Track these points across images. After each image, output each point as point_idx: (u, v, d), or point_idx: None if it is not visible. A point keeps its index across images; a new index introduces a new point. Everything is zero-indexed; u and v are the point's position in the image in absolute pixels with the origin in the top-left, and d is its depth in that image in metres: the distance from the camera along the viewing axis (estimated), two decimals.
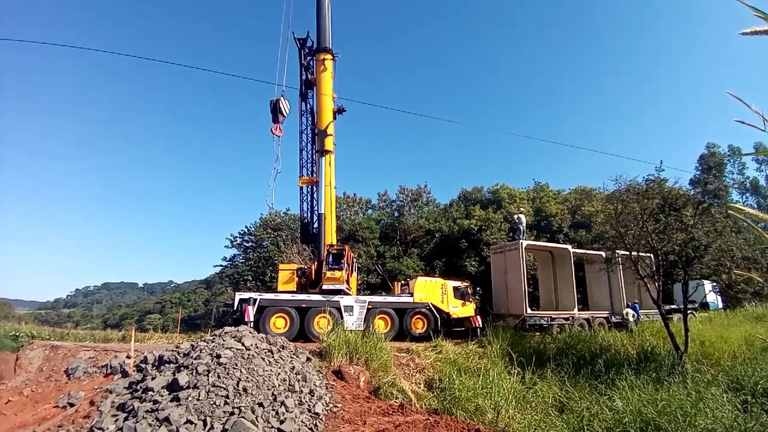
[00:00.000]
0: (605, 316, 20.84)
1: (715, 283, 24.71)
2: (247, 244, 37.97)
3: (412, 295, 18.06)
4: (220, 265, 42.44)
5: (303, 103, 19.89)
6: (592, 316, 20.55)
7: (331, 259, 17.31)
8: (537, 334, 17.87)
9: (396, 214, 37.83)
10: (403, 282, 21.30)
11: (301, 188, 19.62)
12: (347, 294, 17.25)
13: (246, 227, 38.11)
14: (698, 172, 49.05)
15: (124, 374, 10.05)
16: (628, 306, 20.06)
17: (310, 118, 19.84)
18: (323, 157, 19.19)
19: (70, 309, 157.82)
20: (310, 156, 19.68)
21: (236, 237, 38.27)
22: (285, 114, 18.82)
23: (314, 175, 19.39)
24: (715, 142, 52.97)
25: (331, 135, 19.46)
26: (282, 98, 18.77)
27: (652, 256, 15.06)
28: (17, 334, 17.02)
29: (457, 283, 19.73)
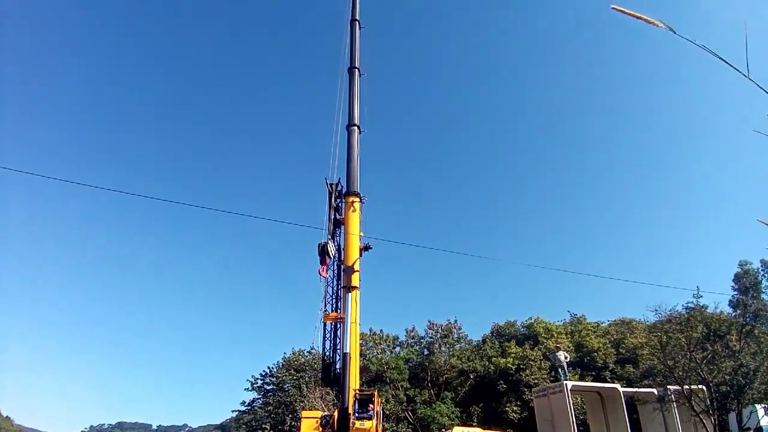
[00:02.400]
0: None
1: (767, 406, 22.23)
2: (267, 387, 36.16)
3: None
4: (238, 410, 39.91)
5: (331, 241, 20.97)
6: None
7: (358, 405, 16.02)
8: None
9: (425, 352, 36.03)
10: None
11: (325, 325, 19.42)
12: None
13: (268, 368, 36.82)
14: (736, 293, 46.95)
15: None
16: None
17: (336, 255, 20.68)
18: (349, 293, 19.34)
19: None
20: (335, 292, 19.94)
21: (257, 379, 36.73)
22: (331, 257, 19.77)
23: (339, 311, 19.35)
24: (747, 259, 51.55)
25: (357, 271, 19.97)
26: (330, 241, 19.95)
27: (704, 388, 14.02)
28: None
29: None
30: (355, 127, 22.54)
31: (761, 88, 1.94)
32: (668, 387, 15.79)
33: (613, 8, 2.05)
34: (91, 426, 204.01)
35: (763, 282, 51.33)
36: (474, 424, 22.59)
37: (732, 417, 19.27)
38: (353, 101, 22.85)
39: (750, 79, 1.93)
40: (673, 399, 16.00)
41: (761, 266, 51.50)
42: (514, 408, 28.64)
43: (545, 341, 33.61)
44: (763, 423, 23.44)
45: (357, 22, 24.05)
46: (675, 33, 2.02)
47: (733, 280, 48.97)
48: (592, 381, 25.91)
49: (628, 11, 1.97)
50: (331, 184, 21.40)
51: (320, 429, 16.38)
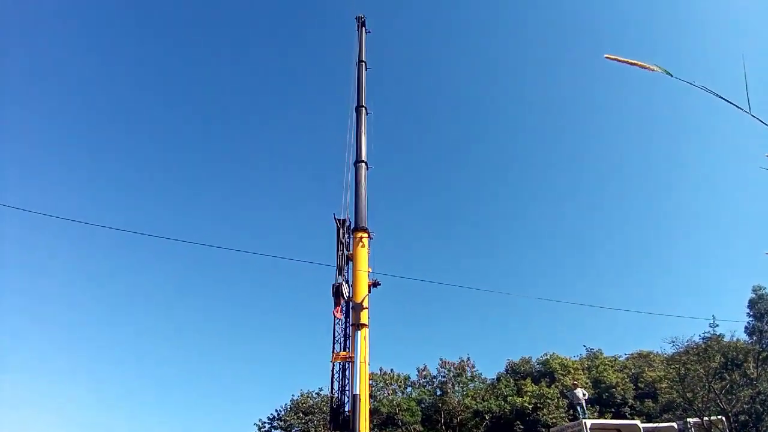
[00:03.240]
0: None
1: None
2: (275, 431, 35.08)
3: None
4: None
5: (339, 277, 21.05)
6: None
7: None
8: None
9: (438, 392, 35.01)
10: None
11: (334, 365, 19.13)
12: None
13: (276, 411, 35.84)
14: (751, 319, 45.60)
15: None
16: None
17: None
18: (359, 331, 19.18)
19: None
20: (343, 330, 19.80)
21: (264, 422, 35.71)
22: (345, 298, 19.82)
23: (347, 350, 19.13)
24: (761, 284, 50.28)
25: (366, 308, 19.90)
26: (344, 283, 20.03)
27: (723, 419, 13.57)
28: None
29: None
30: (363, 164, 23.13)
31: (764, 123, 1.96)
32: (688, 420, 15.27)
33: (606, 57, 2.04)
34: None
35: None
36: None
37: None
38: (360, 138, 23.56)
39: (752, 115, 1.96)
40: None
41: None
42: None
43: (562, 378, 32.72)
44: None
45: (363, 63, 25.20)
46: (672, 76, 2.02)
47: (748, 306, 47.77)
48: (612, 418, 24.97)
49: (621, 59, 1.97)
50: (339, 220, 21.76)
51: None
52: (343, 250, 21.48)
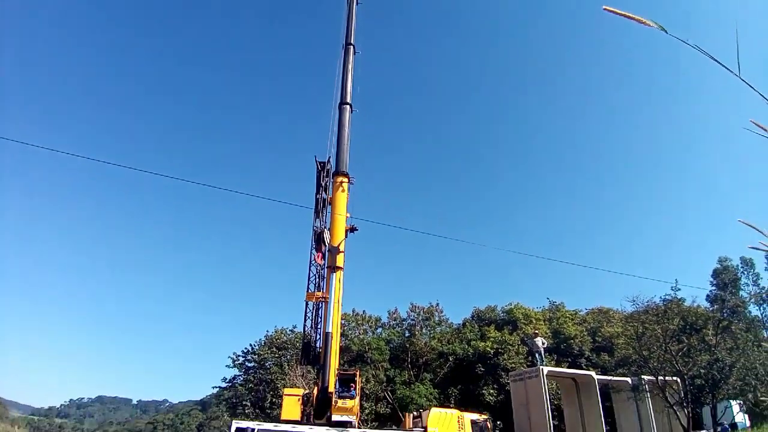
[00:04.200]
0: None
1: (741, 403, 22.82)
2: (249, 364, 36.17)
3: (425, 429, 16.39)
4: (218, 387, 39.93)
5: (317, 220, 20.72)
6: None
7: (340, 385, 16.18)
8: None
9: (407, 334, 36.42)
10: (415, 413, 19.53)
11: (307, 304, 19.33)
12: (354, 427, 15.72)
13: (250, 345, 36.77)
14: (714, 289, 48.17)
15: None
16: None
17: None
18: (333, 274, 19.26)
19: (62, 419, 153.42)
20: (318, 272, 19.80)
21: (239, 356, 36.67)
22: (327, 245, 19.54)
23: (321, 290, 19.26)
24: (727, 255, 52.75)
25: (342, 252, 19.82)
26: (326, 230, 19.69)
27: (678, 380, 14.33)
28: None
29: (476, 416, 18.01)
30: (347, 106, 22.11)
31: (751, 86, 1.96)
32: (642, 377, 16.04)
33: (605, 9, 2.10)
34: (71, 399, 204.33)
35: (742, 279, 52.85)
36: (451, 405, 23.02)
37: (706, 411, 19.72)
38: (346, 79, 22.35)
39: (741, 78, 1.95)
40: (647, 389, 16.23)
41: (741, 264, 52.94)
42: (491, 391, 29.22)
43: (524, 327, 34.15)
44: (737, 420, 24.24)
45: None
46: (666, 32, 2.05)
47: (712, 276, 50.32)
48: (568, 367, 26.47)
49: (619, 12, 2.03)
50: (320, 163, 21.03)
51: (302, 406, 16.47)
52: (322, 194, 20.96)
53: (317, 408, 16.56)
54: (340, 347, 21.02)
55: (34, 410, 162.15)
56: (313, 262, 20.02)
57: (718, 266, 50.83)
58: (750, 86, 2.00)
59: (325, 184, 21.21)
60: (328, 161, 21.26)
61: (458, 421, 17.06)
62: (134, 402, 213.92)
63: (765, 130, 1.96)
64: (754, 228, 1.97)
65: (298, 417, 15.98)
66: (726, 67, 1.98)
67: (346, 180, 21.11)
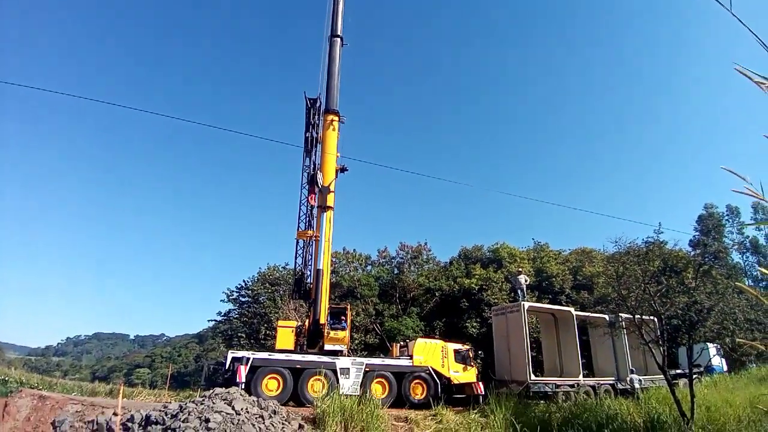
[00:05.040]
0: (611, 382, 20.06)
1: (719, 346, 23.99)
2: (243, 299, 37.28)
3: (411, 357, 17.45)
4: (214, 320, 41.38)
5: (307, 159, 20.48)
6: (598, 383, 19.81)
7: (332, 317, 17.03)
8: (541, 402, 17.04)
9: (396, 272, 37.49)
10: (402, 343, 20.66)
11: (297, 241, 19.64)
12: (344, 355, 16.68)
13: (243, 281, 37.62)
14: (697, 234, 49.10)
15: None
16: (632, 372, 19.41)
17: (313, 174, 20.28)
18: (324, 213, 19.40)
19: (59, 357, 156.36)
20: (308, 210, 19.91)
21: (233, 291, 37.67)
22: (319, 186, 19.37)
23: (311, 229, 19.51)
24: (713, 202, 53.30)
25: (332, 192, 19.82)
26: (319, 172, 19.42)
27: (655, 319, 14.80)
28: (6, 379, 16.60)
29: (458, 346, 19.12)
30: (338, 39, 21.02)
31: (741, 22, 1.91)
32: (620, 315, 16.57)
33: None
34: (68, 338, 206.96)
35: (726, 227, 53.93)
36: (436, 336, 24.29)
37: (682, 351, 20.65)
38: (337, 9, 21.05)
39: (732, 13, 1.89)
40: (624, 326, 16.86)
41: (727, 211, 53.96)
42: (474, 324, 30.61)
43: (509, 265, 35.10)
44: (713, 362, 25.88)
45: None
46: None
47: (697, 222, 51.41)
48: (549, 304, 27.69)
49: None
50: (310, 99, 20.36)
51: (295, 337, 17.33)
52: (312, 132, 20.52)
53: (309, 339, 17.46)
54: (331, 283, 21.70)
55: (30, 351, 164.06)
56: (304, 201, 20.07)
57: (704, 212, 51.77)
58: (741, 22, 1.93)
59: (315, 122, 20.72)
60: (318, 98, 20.59)
61: (442, 350, 18.18)
62: (131, 337, 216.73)
63: (748, 77, 1.86)
64: (734, 174, 1.97)
65: (291, 347, 16.85)
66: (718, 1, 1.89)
67: (336, 118, 20.59)
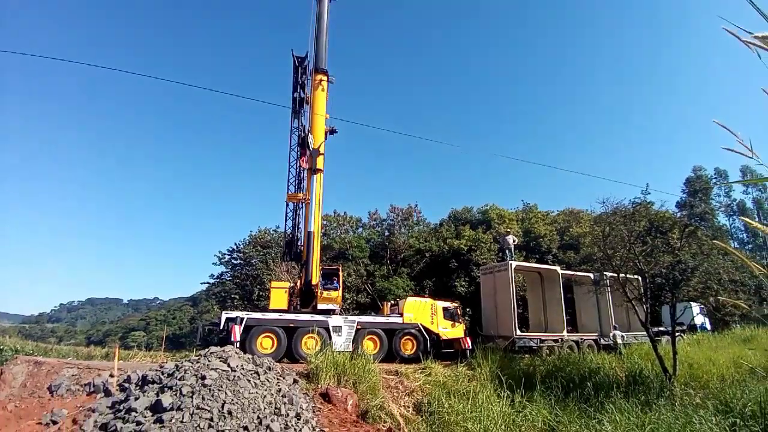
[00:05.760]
0: (594, 338, 20.84)
1: (702, 306, 24.71)
2: (235, 262, 37.55)
3: (401, 315, 17.92)
4: (207, 283, 41.88)
5: (296, 120, 20.07)
6: (581, 339, 20.54)
7: (324, 278, 17.32)
8: (526, 356, 17.78)
9: (386, 233, 37.83)
10: (392, 302, 21.16)
11: (287, 204, 19.61)
12: (336, 314, 17.09)
13: (235, 244, 37.78)
14: (684, 195, 49.59)
15: (107, 393, 9.77)
16: (615, 328, 20.12)
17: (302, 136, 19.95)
18: (314, 176, 19.24)
19: (54, 324, 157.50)
20: (297, 172, 19.74)
21: (225, 254, 37.86)
22: (310, 148, 19.03)
23: (301, 191, 19.43)
24: (702, 165, 53.58)
25: (322, 154, 19.58)
26: (310, 134, 19.02)
27: (639, 278, 15.09)
28: (1, 347, 16.82)
29: (447, 304, 19.64)
30: None
31: None
32: (605, 273, 16.88)
33: None
34: (61, 304, 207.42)
35: (714, 189, 54.28)
36: (426, 295, 24.89)
37: (665, 310, 20.97)
38: None
39: None
40: (608, 284, 17.23)
41: (715, 174, 54.26)
42: (463, 283, 31.31)
43: (497, 226, 35.57)
44: (696, 321, 26.62)
45: None
46: None
47: (684, 183, 51.82)
48: (535, 263, 28.28)
49: None
50: (298, 58, 19.71)
51: (288, 297, 17.63)
52: (299, 92, 20.02)
53: (302, 299, 17.79)
54: (322, 245, 21.89)
55: (24, 318, 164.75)
56: (293, 164, 19.85)
57: (692, 174, 52.11)
58: None
59: (303, 82, 20.17)
60: (307, 56, 19.94)
61: (431, 308, 18.68)
62: (125, 301, 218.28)
63: (736, 36, 1.80)
64: (727, 129, 1.97)
65: (285, 307, 17.18)
66: None
67: (325, 78, 20.02)
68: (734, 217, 56.66)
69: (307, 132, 19.06)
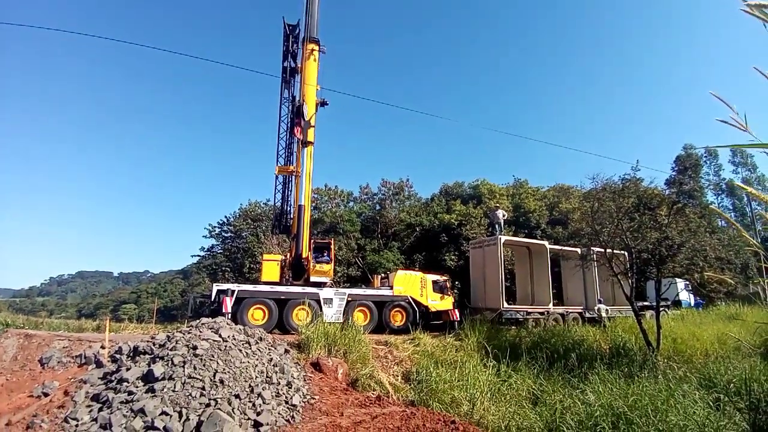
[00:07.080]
0: (579, 311, 21.36)
1: (687, 282, 25.25)
2: (225, 235, 37.42)
3: (391, 288, 18.15)
4: (198, 256, 41.76)
5: (285, 91, 19.66)
6: (567, 311, 21.05)
7: (316, 251, 17.40)
8: (513, 327, 18.21)
9: (377, 208, 37.83)
10: (383, 275, 21.38)
11: (276, 177, 19.43)
12: (327, 286, 17.25)
13: (225, 217, 37.58)
14: (674, 173, 49.84)
15: (99, 365, 9.83)
16: (599, 302, 20.62)
17: (291, 107, 19.60)
18: (305, 148, 19.00)
19: (44, 297, 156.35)
20: (287, 145, 19.48)
21: (215, 227, 37.67)
22: (305, 119, 18.66)
23: (290, 164, 19.24)
24: (693, 143, 53.72)
25: (313, 126, 19.29)
26: (305, 104, 18.60)
27: (626, 253, 15.31)
28: None
29: (437, 277, 19.91)
30: None
31: None
32: (592, 248, 17.13)
33: None
34: (51, 278, 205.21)
35: (704, 168, 54.44)
36: (416, 268, 25.18)
37: (651, 285, 21.16)
38: None
39: None
40: (595, 259, 17.51)
41: (705, 153, 54.29)
42: (452, 257, 31.68)
43: (488, 201, 35.75)
44: (681, 297, 27.11)
45: None
46: None
47: (674, 161, 51.96)
48: (524, 238, 28.63)
49: None
50: (289, 26, 19.14)
51: (280, 270, 17.71)
52: (290, 61, 19.54)
53: (294, 272, 17.88)
54: (313, 219, 21.83)
55: (14, 293, 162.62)
56: (282, 136, 19.56)
57: (682, 152, 52.18)
58: None
59: (294, 51, 19.67)
60: (298, 24, 19.37)
61: (421, 281, 18.95)
62: (115, 274, 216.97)
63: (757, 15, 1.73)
64: (722, 101, 1.98)
65: (277, 279, 17.28)
66: None
67: (316, 48, 19.52)
68: (723, 196, 57.10)
69: (302, 101, 18.70)
